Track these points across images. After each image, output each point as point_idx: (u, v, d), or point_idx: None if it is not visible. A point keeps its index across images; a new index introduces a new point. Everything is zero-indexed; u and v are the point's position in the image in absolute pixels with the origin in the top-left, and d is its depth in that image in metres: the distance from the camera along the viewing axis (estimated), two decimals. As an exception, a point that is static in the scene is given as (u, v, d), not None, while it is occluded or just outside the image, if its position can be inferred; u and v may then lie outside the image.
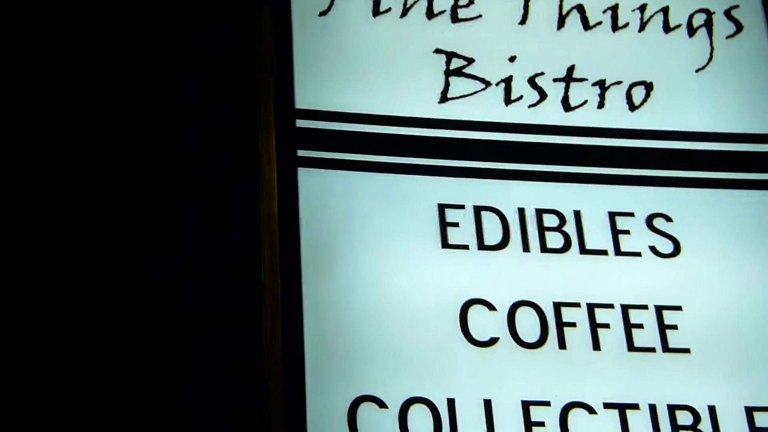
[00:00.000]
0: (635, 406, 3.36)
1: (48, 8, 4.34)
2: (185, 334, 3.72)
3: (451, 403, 3.29)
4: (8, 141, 4.00)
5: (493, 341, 3.42)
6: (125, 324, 3.63)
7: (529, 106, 3.87)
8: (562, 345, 3.44)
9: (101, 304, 3.65)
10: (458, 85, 3.87)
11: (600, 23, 4.07)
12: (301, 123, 3.69)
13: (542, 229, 3.64)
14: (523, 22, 4.06)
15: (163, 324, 3.71)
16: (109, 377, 3.56)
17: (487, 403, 3.31)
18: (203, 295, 3.73)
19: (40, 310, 3.64)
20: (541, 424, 3.30)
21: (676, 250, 3.65)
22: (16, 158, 3.96)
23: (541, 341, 3.44)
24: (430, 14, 4.00)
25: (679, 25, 4.09)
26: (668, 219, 3.70)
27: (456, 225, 3.59)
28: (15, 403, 3.47)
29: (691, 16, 4.10)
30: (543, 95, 3.89)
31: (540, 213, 3.66)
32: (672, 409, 3.36)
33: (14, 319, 3.61)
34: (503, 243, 3.59)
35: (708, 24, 4.10)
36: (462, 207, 3.63)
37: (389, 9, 3.98)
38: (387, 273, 3.49)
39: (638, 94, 3.93)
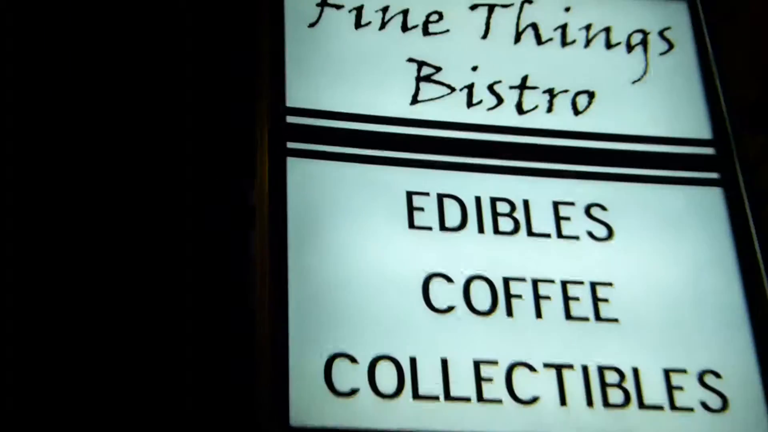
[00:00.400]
0: (570, 366, 3.47)
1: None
2: (190, 304, 3.86)
3: (413, 360, 3.39)
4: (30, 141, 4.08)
5: (450, 309, 3.53)
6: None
7: (488, 109, 3.97)
8: (509, 313, 3.55)
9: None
10: (427, 89, 3.97)
11: (551, 39, 4.16)
12: (290, 119, 3.79)
13: (495, 215, 3.74)
14: (484, 36, 4.15)
15: (169, 292, 3.86)
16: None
17: (444, 362, 3.41)
18: (201, 265, 3.87)
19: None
20: (490, 380, 3.40)
21: (610, 235, 3.77)
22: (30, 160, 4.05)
23: (491, 310, 3.55)
24: (405, 28, 4.09)
25: (619, 43, 4.19)
26: (603, 208, 3.81)
27: (421, 209, 3.70)
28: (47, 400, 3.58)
29: (629, 35, 4.20)
30: (500, 100, 3.99)
31: (493, 201, 3.76)
32: (601, 369, 3.47)
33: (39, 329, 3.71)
34: (461, 225, 3.70)
35: (644, 42, 4.19)
36: (427, 194, 3.74)
37: (369, 22, 4.07)
38: (361, 248, 3.59)
39: (582, 101, 4.04)
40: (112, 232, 3.98)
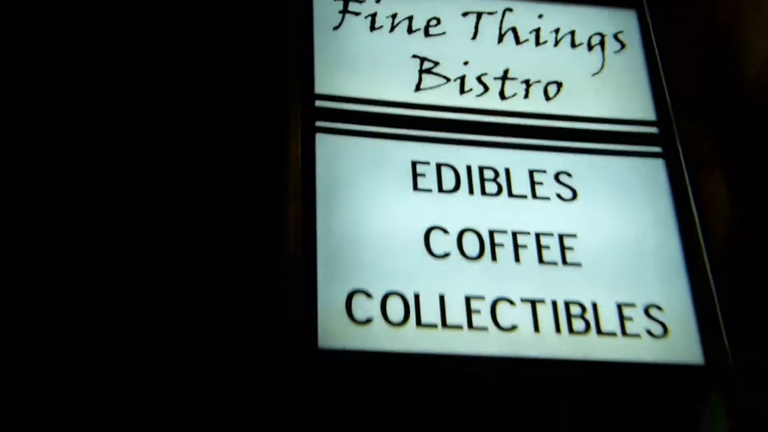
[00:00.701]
0: (542, 301, 3.49)
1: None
2: (234, 255, 3.86)
3: (416, 296, 3.41)
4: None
5: (446, 255, 3.54)
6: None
7: (476, 96, 3.96)
8: (493, 258, 3.56)
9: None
10: (428, 80, 3.96)
11: (527, 40, 4.15)
12: (318, 103, 3.79)
13: (482, 180, 3.74)
14: (474, 37, 4.14)
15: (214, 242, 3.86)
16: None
17: (441, 297, 3.43)
18: (249, 217, 3.88)
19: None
20: (478, 311, 3.42)
21: (574, 196, 3.77)
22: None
23: (479, 255, 3.56)
24: (410, 30, 4.08)
25: (581, 43, 4.18)
26: (569, 175, 3.81)
27: (423, 175, 3.70)
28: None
29: (590, 37, 4.19)
30: (486, 88, 3.98)
31: (481, 169, 3.76)
32: (567, 303, 3.50)
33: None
34: (455, 188, 3.70)
35: (601, 43, 4.19)
36: (427, 163, 3.74)
37: (381, 26, 4.06)
38: (375, 206, 3.60)
39: (552, 89, 4.02)
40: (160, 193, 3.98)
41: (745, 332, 3.67)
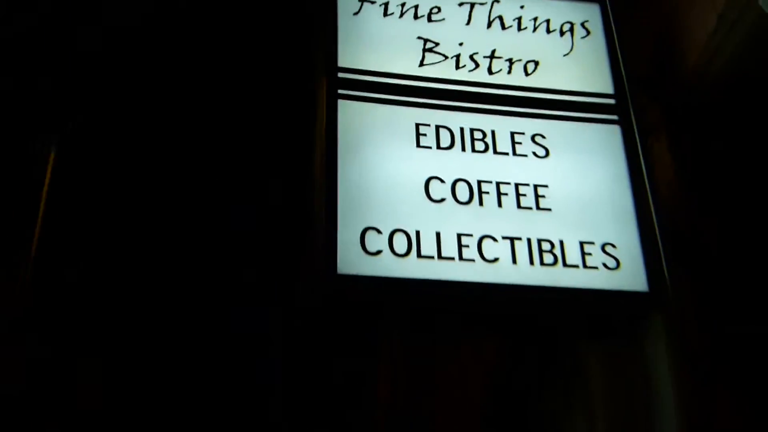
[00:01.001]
0: (519, 239, 3.49)
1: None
2: (272, 198, 3.87)
3: (417, 233, 3.42)
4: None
5: (442, 200, 3.53)
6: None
7: (469, 71, 3.92)
8: (480, 203, 3.56)
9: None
10: (429, 57, 3.91)
11: (511, 26, 4.10)
12: (340, 75, 3.76)
13: (473, 139, 3.71)
14: (468, 23, 4.08)
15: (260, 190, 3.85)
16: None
17: (437, 234, 3.44)
18: (285, 167, 3.88)
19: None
20: (467, 246, 3.43)
21: (547, 154, 3.75)
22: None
23: (469, 201, 3.55)
24: (416, 16, 4.03)
25: (555, 30, 4.13)
26: (543, 137, 3.78)
27: (424, 135, 3.68)
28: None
29: (561, 25, 4.14)
30: (477, 65, 3.94)
31: (472, 130, 3.74)
32: (539, 241, 3.50)
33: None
34: (451, 146, 3.68)
35: (571, 30, 4.14)
36: (428, 125, 3.71)
37: (393, 12, 4.01)
38: (384, 160, 3.59)
39: (531, 67, 3.98)
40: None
41: (681, 266, 3.71)
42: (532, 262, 3.46)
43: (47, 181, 3.84)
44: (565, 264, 3.49)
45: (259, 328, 3.70)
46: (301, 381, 3.62)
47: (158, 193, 3.91)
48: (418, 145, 3.66)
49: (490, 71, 3.94)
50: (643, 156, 3.79)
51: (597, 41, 4.15)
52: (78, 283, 3.74)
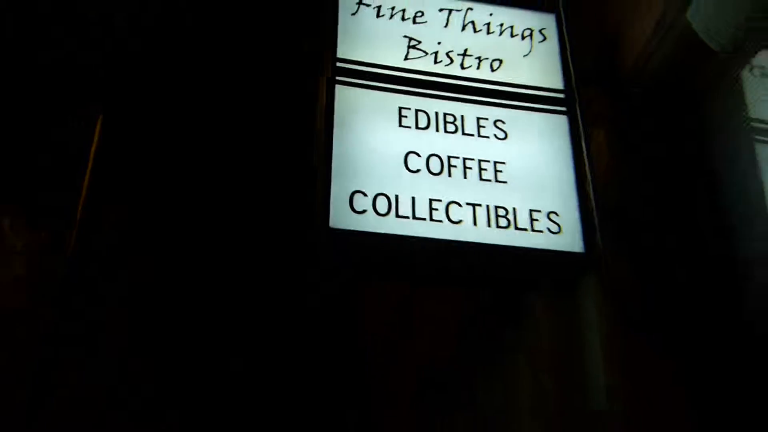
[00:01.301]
0: (480, 205, 3.44)
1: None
2: (280, 163, 3.81)
3: (396, 197, 3.37)
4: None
5: (418, 170, 3.47)
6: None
7: (445, 65, 3.83)
8: (449, 175, 3.49)
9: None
10: (413, 53, 3.82)
11: (481, 30, 4.00)
12: (339, 65, 3.67)
13: (445, 122, 3.64)
14: (446, 26, 3.98)
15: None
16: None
17: (413, 198, 3.39)
18: (292, 138, 3.82)
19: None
20: (436, 209, 3.37)
21: (506, 137, 3.68)
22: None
23: (440, 172, 3.49)
24: (403, 18, 3.93)
25: (517, 34, 4.03)
26: (503, 122, 3.70)
27: (406, 117, 3.60)
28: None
29: (523, 30, 4.04)
30: (451, 60, 3.85)
31: (445, 114, 3.66)
32: (496, 207, 3.45)
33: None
34: (427, 126, 3.60)
35: (531, 35, 4.03)
36: (409, 109, 3.63)
37: (384, 14, 3.91)
38: (371, 135, 3.52)
39: (496, 64, 3.89)
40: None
41: (612, 232, 3.69)
42: (489, 225, 3.41)
43: (96, 139, 3.83)
44: (516, 227, 3.43)
45: (268, 269, 3.68)
46: (301, 317, 3.61)
47: (188, 151, 3.87)
48: (400, 124, 3.58)
49: (462, 66, 3.85)
50: (584, 140, 3.72)
51: (551, 45, 4.05)
52: (121, 225, 3.72)
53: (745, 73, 4.03)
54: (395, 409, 5.83)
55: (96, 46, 3.81)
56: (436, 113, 3.67)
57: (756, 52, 3.93)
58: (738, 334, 3.60)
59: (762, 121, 3.95)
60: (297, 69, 4.16)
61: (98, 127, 3.78)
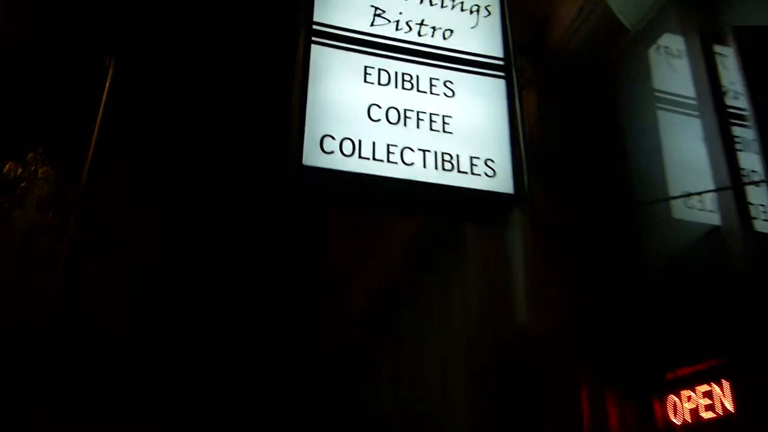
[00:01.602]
0: (429, 151, 3.36)
1: None
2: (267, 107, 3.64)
3: (360, 141, 3.29)
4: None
5: (378, 120, 3.37)
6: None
7: (405, 33, 3.67)
8: (405, 125, 3.40)
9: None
10: (378, 20, 3.65)
11: (437, 4, 3.80)
12: (315, 27, 3.50)
13: (403, 81, 3.52)
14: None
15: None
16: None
17: (374, 143, 3.30)
18: (276, 86, 3.64)
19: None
20: (393, 153, 3.30)
21: (453, 95, 3.57)
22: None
23: (397, 122, 3.40)
24: (370, -9, 3.75)
25: (467, 9, 3.84)
26: (452, 83, 3.59)
27: (370, 74, 3.48)
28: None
29: (471, 6, 3.85)
30: (410, 29, 3.69)
31: (403, 74, 3.53)
32: (443, 153, 3.37)
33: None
34: (387, 83, 3.48)
35: (478, 10, 3.85)
36: (373, 68, 3.50)
37: (355, -12, 3.73)
38: (340, 89, 3.40)
39: (447, 33, 3.73)
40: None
41: (537, 177, 3.60)
42: (436, 168, 3.34)
43: (108, 82, 3.68)
44: (459, 171, 3.37)
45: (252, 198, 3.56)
46: (278, 238, 3.51)
47: (190, 94, 3.72)
48: (364, 81, 3.46)
49: (419, 34, 3.70)
50: (518, 102, 3.61)
51: (494, 20, 3.89)
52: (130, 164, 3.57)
53: (652, 51, 3.95)
54: (352, 321, 5.81)
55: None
56: (396, 72, 3.53)
57: (662, 34, 3.85)
58: (633, 258, 3.60)
59: (662, 91, 3.90)
60: (284, 34, 3.96)
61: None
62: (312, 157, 3.16)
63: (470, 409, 4.05)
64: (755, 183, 3.06)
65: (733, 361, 2.99)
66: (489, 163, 3.43)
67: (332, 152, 3.20)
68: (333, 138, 3.23)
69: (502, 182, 3.41)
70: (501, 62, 3.74)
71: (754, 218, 3.16)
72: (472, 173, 3.38)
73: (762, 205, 3.20)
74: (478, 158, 3.42)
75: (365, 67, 3.49)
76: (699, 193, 3.35)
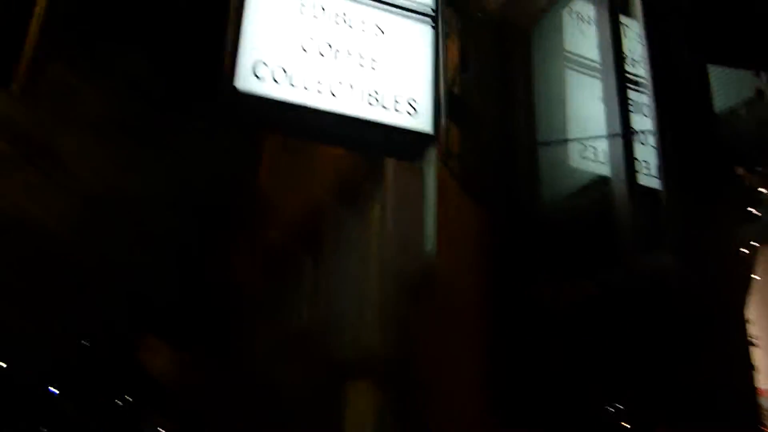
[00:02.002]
0: (356, 85, 3.43)
1: None
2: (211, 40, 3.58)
3: (291, 70, 3.30)
4: None
5: (310, 52, 3.41)
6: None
7: None
8: (335, 59, 3.45)
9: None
10: None
11: None
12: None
13: (336, 17, 3.54)
14: None
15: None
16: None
17: (305, 73, 3.33)
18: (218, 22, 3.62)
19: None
20: (321, 84, 3.35)
21: (383, 35, 3.62)
22: None
23: (327, 56, 3.43)
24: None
25: None
26: (382, 24, 3.63)
27: (304, 7, 3.49)
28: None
29: None
30: None
31: (336, 12, 3.55)
32: (368, 89, 3.45)
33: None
34: (321, 18, 3.50)
35: None
36: (309, 1, 3.50)
37: None
38: (278, 21, 3.41)
39: None
40: None
41: (453, 118, 3.75)
42: (362, 101, 3.43)
43: None
44: (383, 107, 3.48)
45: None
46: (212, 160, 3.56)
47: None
48: (300, 14, 3.49)
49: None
50: (441, 48, 3.74)
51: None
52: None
53: (566, 14, 4.14)
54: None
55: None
56: (331, 9, 3.56)
57: (575, -1, 4.04)
58: (532, 199, 3.87)
59: (571, 52, 4.11)
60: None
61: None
62: (244, 81, 3.21)
63: (381, 328, 4.30)
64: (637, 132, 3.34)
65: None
66: (411, 102, 3.56)
67: (264, 78, 3.26)
68: (266, 65, 3.28)
69: (422, 121, 3.55)
70: (430, 10, 3.83)
71: (638, 172, 3.47)
72: (396, 111, 3.50)
73: (645, 161, 3.53)
74: (401, 97, 3.54)
75: (301, 1, 3.50)
76: (589, 138, 3.62)
